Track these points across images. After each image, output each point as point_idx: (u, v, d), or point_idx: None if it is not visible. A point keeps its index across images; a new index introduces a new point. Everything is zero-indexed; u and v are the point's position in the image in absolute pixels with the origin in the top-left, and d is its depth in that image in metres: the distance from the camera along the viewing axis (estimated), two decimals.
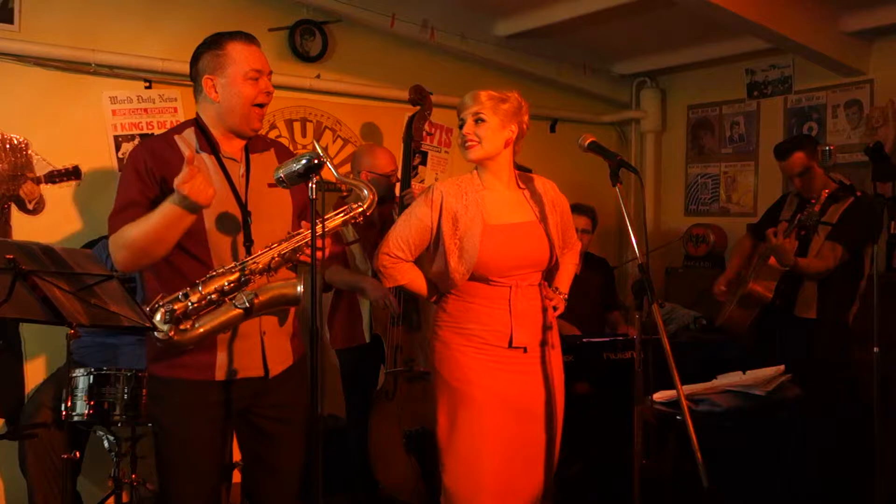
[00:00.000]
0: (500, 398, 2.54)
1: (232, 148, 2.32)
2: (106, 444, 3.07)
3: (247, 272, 2.17)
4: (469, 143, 2.55)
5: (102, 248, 3.37)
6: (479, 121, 2.54)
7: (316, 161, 2.07)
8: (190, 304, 2.11)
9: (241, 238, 2.26)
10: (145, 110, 3.86)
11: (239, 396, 2.29)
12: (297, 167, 2.07)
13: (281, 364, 2.35)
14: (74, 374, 2.89)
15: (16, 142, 3.58)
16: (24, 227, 3.59)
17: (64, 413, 2.87)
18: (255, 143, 2.38)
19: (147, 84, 3.86)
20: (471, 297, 2.58)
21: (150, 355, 2.32)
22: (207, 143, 2.29)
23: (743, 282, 3.84)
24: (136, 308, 2.10)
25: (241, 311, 2.16)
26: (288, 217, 2.37)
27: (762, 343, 3.82)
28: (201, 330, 2.14)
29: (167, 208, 2.08)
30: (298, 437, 2.43)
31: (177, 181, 2.02)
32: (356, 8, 4.26)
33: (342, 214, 2.28)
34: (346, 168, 4.45)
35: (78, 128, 3.73)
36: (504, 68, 4.91)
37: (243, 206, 2.27)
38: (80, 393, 2.90)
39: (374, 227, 3.66)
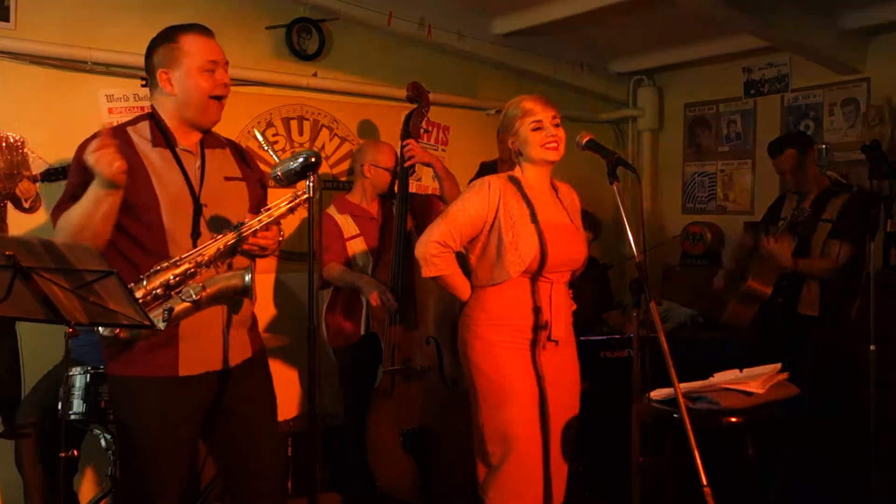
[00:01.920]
0: (537, 391, 2.63)
1: (188, 141, 2.33)
2: (103, 442, 3.07)
3: (192, 264, 2.16)
4: (556, 144, 2.65)
5: None
6: (557, 125, 2.67)
7: (313, 159, 2.07)
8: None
9: (188, 230, 2.25)
10: (141, 108, 3.84)
11: (201, 393, 2.28)
12: (295, 165, 2.08)
13: (240, 356, 2.35)
14: (72, 373, 2.89)
15: (12, 140, 3.57)
16: (19, 226, 3.58)
17: (61, 411, 2.86)
18: (209, 140, 2.39)
19: (143, 82, 3.84)
20: (511, 293, 2.64)
21: (105, 354, 2.30)
22: (163, 136, 2.30)
23: (743, 278, 3.83)
24: (136, 306, 2.09)
25: (189, 304, 2.15)
26: (243, 210, 2.37)
27: (765, 341, 3.80)
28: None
29: (90, 189, 2.09)
30: (272, 432, 2.45)
31: (86, 152, 2.03)
32: (353, 6, 4.25)
33: (286, 203, 2.28)
34: (346, 165, 4.46)
35: (74, 126, 3.69)
36: (501, 66, 4.91)
37: (196, 199, 2.27)
38: (77, 391, 2.90)
39: (375, 222, 3.67)
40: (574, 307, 2.83)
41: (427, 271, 2.70)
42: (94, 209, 2.10)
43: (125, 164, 2.06)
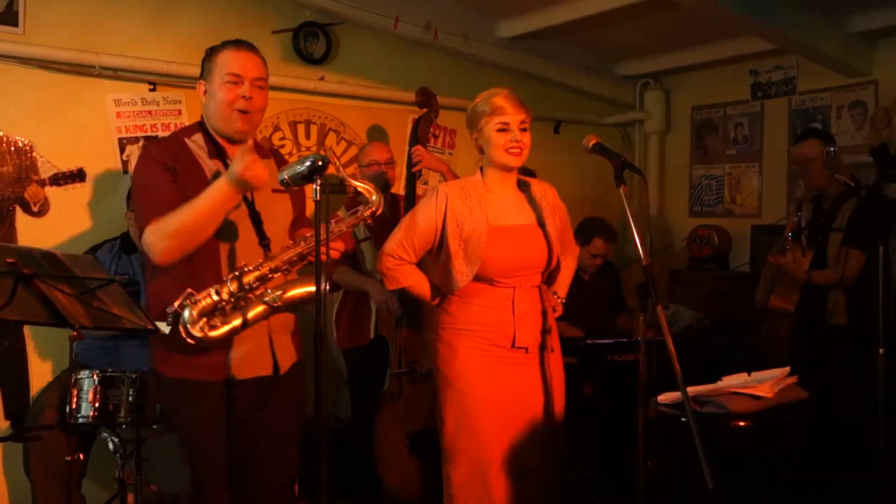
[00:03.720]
0: (503, 398, 2.55)
1: (236, 154, 2.34)
2: (111, 445, 3.07)
3: (268, 270, 2.21)
4: (519, 150, 2.56)
5: (105, 253, 3.39)
6: (524, 129, 2.57)
7: (320, 163, 2.07)
8: (221, 300, 2.15)
9: (252, 239, 2.31)
10: (149, 112, 3.86)
11: (250, 396, 2.33)
12: (302, 169, 2.08)
13: (288, 361, 2.41)
14: (79, 376, 2.90)
15: (20, 144, 3.59)
16: (28, 230, 3.60)
17: (69, 415, 2.87)
18: (256, 150, 2.40)
19: (151, 86, 3.86)
20: (474, 299, 2.59)
21: (157, 356, 2.35)
22: (216, 149, 2.35)
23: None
24: (138, 311, 2.10)
25: (267, 306, 2.20)
26: (288, 221, 2.44)
27: (796, 352, 3.74)
28: (228, 328, 2.18)
29: (216, 190, 2.14)
30: (290, 436, 2.48)
31: (238, 167, 2.11)
32: (360, 10, 4.26)
33: (350, 217, 2.33)
34: (353, 169, 4.46)
35: (82, 130, 3.73)
36: (507, 69, 4.91)
37: (252, 208, 2.32)
38: (85, 395, 2.91)
39: (384, 224, 3.68)
40: (559, 313, 2.74)
41: (388, 284, 2.70)
42: (218, 212, 2.16)
43: (267, 171, 2.16)
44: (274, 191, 2.39)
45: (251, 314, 2.20)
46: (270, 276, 2.22)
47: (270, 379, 2.36)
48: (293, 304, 2.28)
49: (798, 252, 3.63)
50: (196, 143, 2.35)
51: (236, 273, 2.19)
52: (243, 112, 2.32)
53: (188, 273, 2.24)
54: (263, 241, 2.31)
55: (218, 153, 2.34)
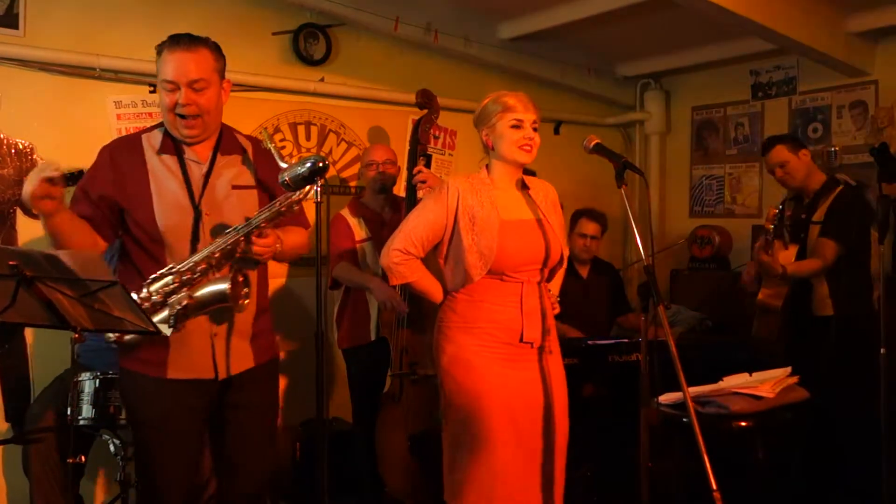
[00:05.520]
0: (510, 395, 2.56)
1: (198, 150, 2.36)
2: (112, 447, 3.07)
3: (189, 272, 2.20)
4: (531, 147, 2.62)
5: (108, 250, 3.38)
6: (535, 129, 2.63)
7: (321, 164, 2.07)
8: (142, 300, 2.18)
9: (188, 237, 2.29)
10: (150, 114, 3.87)
11: (193, 397, 2.32)
12: (302, 170, 2.08)
13: (238, 366, 2.36)
14: (80, 378, 2.90)
15: (21, 146, 3.59)
16: (29, 232, 3.59)
17: (70, 417, 2.87)
18: (225, 145, 2.40)
19: (151, 88, 3.86)
20: (481, 295, 2.60)
21: (119, 347, 2.37)
22: (172, 144, 2.34)
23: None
24: (139, 312, 2.10)
25: (179, 309, 2.19)
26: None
27: (789, 347, 3.75)
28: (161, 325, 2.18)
29: None
30: (263, 440, 2.47)
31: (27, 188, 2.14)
32: (360, 11, 4.27)
33: (277, 204, 2.27)
34: (353, 170, 4.47)
35: (83, 132, 3.73)
36: (507, 71, 4.91)
37: (196, 206, 2.30)
38: (86, 397, 2.91)
39: (386, 225, 3.68)
40: (557, 310, 2.77)
41: (392, 279, 2.70)
42: (47, 226, 2.23)
43: (53, 204, 2.17)
44: (234, 187, 2.37)
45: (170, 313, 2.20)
46: (190, 278, 2.20)
47: (214, 383, 2.33)
48: (205, 307, 2.22)
49: (782, 247, 3.64)
50: (150, 140, 2.36)
51: (150, 279, 2.21)
52: (183, 117, 2.27)
53: (135, 266, 2.30)
54: (194, 241, 2.28)
55: (174, 149, 2.33)
